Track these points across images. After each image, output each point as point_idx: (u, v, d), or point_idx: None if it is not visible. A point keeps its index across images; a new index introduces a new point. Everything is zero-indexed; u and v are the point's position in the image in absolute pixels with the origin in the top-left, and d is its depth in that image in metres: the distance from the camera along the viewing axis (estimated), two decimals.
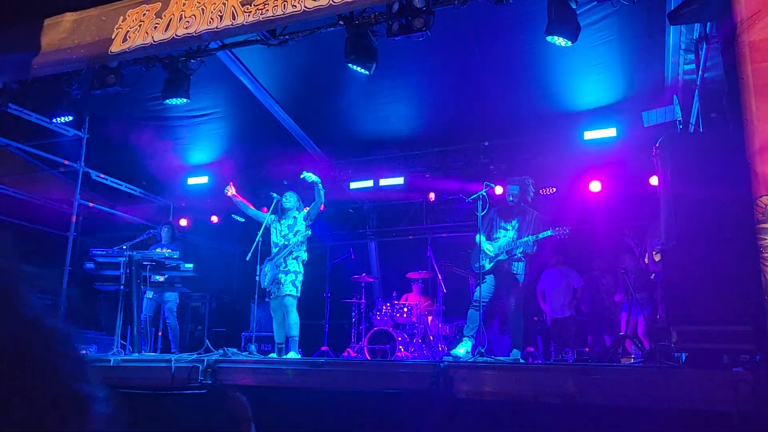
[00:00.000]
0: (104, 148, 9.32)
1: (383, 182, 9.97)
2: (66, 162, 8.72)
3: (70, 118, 7.25)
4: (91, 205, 9.41)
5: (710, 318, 3.75)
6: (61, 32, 6.66)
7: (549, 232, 5.91)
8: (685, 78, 6.31)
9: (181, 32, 5.96)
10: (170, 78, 6.65)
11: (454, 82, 7.88)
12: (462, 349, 5.72)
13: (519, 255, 5.98)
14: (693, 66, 5.96)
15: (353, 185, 10.24)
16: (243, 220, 10.81)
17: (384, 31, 5.72)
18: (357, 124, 8.98)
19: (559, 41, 5.39)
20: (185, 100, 6.69)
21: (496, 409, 4.07)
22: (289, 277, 6.01)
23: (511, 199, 6.16)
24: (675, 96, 6.65)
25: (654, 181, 8.11)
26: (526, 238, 5.90)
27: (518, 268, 5.99)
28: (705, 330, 3.76)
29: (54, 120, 7.43)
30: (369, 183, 10.11)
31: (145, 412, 5.03)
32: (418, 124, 8.95)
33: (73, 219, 8.39)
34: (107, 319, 9.67)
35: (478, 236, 6.11)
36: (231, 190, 6.64)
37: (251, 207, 6.72)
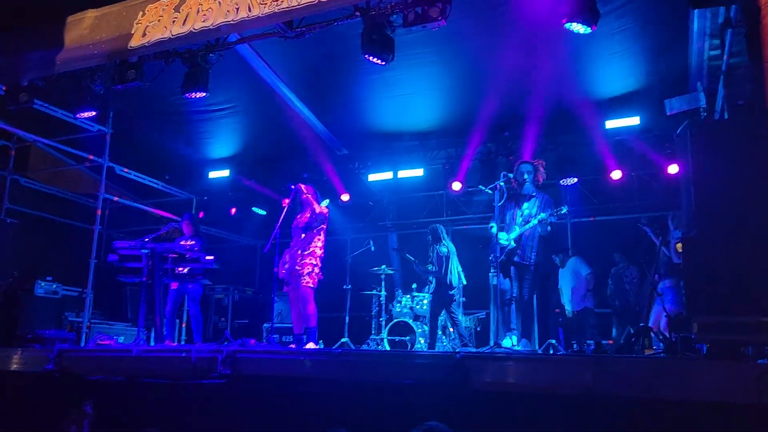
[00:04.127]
0: (128, 143, 9.48)
1: (402, 174, 9.94)
2: (91, 157, 8.87)
3: (93, 113, 7.35)
4: (116, 199, 9.56)
5: (732, 309, 3.66)
6: (83, 29, 6.76)
7: (543, 216, 5.68)
8: (710, 64, 6.17)
9: (198, 25, 6.01)
10: (190, 72, 6.70)
11: (472, 72, 7.81)
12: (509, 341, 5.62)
13: (529, 242, 5.76)
14: (718, 52, 5.82)
15: (372, 177, 10.23)
16: (264, 213, 10.90)
17: (401, 21, 5.69)
18: (375, 116, 8.97)
19: (578, 28, 5.30)
20: (205, 94, 6.75)
21: (513, 400, 4.04)
22: (306, 270, 6.04)
23: (525, 177, 5.94)
24: (699, 83, 6.50)
25: (672, 169, 7.96)
26: (533, 222, 5.70)
27: (530, 255, 5.77)
28: (726, 321, 3.67)
29: (78, 115, 7.56)
30: (388, 175, 10.09)
31: (166, 400, 5.13)
32: (437, 114, 8.90)
33: (99, 213, 8.53)
34: (133, 311, 9.88)
35: (493, 227, 5.97)
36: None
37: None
